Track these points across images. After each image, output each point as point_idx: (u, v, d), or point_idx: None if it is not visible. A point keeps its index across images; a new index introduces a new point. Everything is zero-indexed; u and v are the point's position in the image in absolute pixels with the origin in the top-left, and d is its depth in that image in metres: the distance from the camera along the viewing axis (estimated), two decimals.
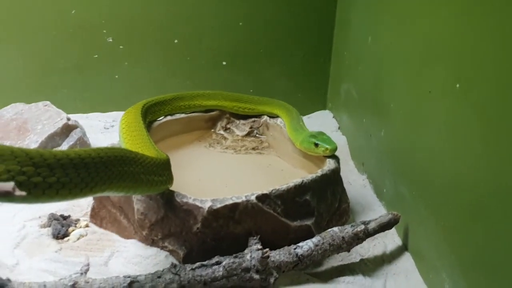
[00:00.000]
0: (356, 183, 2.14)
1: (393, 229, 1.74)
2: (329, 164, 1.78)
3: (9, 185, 0.98)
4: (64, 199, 1.15)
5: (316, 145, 1.83)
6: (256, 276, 1.47)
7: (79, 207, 1.87)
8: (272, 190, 1.59)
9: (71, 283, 1.37)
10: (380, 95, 2.01)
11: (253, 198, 1.55)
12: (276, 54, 2.78)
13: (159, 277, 1.44)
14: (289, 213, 1.61)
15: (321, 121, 2.74)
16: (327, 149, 1.80)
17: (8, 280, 1.34)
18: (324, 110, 2.89)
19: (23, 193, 0.99)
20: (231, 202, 1.54)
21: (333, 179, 1.77)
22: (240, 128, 2.28)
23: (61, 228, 1.72)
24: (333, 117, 2.77)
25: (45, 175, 1.09)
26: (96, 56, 2.65)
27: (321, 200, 1.70)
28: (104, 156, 1.24)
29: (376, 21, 2.11)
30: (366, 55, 2.21)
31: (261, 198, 1.56)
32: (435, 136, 1.52)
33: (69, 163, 1.14)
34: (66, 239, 1.70)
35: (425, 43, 1.61)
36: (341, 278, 1.59)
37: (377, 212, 1.92)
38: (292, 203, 1.62)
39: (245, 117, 2.29)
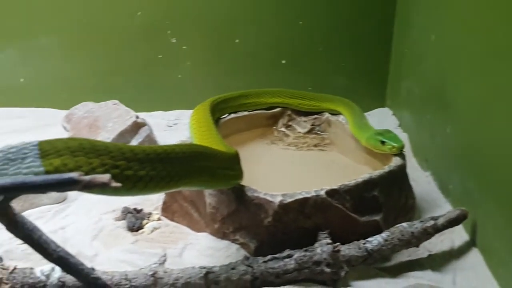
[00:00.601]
0: (420, 180, 2.14)
1: (460, 225, 1.74)
2: (396, 161, 1.80)
3: (105, 177, 1.04)
4: (151, 192, 1.22)
5: (383, 143, 1.84)
6: (327, 270, 1.51)
7: (150, 201, 1.94)
8: (341, 185, 1.61)
9: (151, 272, 1.44)
10: (445, 92, 2.01)
11: (322, 193, 1.58)
12: (335, 52, 2.80)
13: (233, 268, 1.49)
14: (357, 208, 1.64)
15: (380, 118, 2.74)
16: (394, 147, 1.81)
17: (93, 269, 1.40)
18: (383, 107, 2.89)
19: (119, 184, 1.04)
20: (301, 197, 1.57)
21: (399, 175, 1.79)
22: (302, 125, 2.30)
23: (135, 221, 1.79)
24: (393, 114, 2.77)
25: (136, 169, 1.16)
26: (161, 56, 2.73)
27: (388, 196, 1.71)
28: (186, 151, 1.30)
29: (440, 19, 2.11)
30: (429, 52, 2.21)
31: (331, 193, 1.59)
32: (505, 131, 1.52)
33: (156, 158, 1.21)
34: (140, 231, 1.78)
35: (493, 40, 1.60)
36: (410, 273, 1.61)
37: (443, 208, 1.92)
38: (361, 199, 1.64)
39: (306, 114, 2.32)
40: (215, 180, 1.45)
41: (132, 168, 1.16)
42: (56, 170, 1.11)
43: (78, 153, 1.12)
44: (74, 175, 1.03)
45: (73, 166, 1.11)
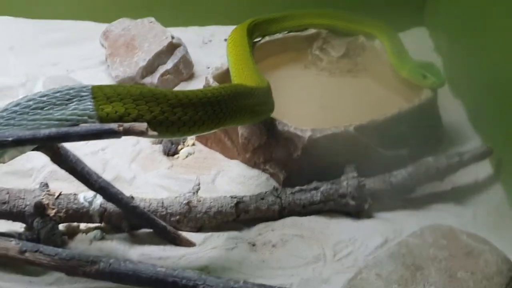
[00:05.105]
0: (450, 108, 2.10)
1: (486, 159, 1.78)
2: (427, 93, 1.81)
3: (143, 125, 1.12)
4: (202, 132, 1.35)
5: (425, 76, 1.83)
6: (352, 202, 1.58)
7: None
8: (369, 121, 1.66)
9: (185, 201, 1.54)
10: (484, 14, 1.96)
11: (351, 129, 1.63)
12: None
13: (262, 198, 1.58)
14: (385, 143, 1.68)
15: (416, 39, 2.66)
16: (434, 82, 1.81)
17: (132, 197, 1.51)
18: (419, 27, 2.80)
19: (155, 133, 1.13)
20: (330, 132, 1.63)
21: (429, 109, 1.81)
22: (336, 49, 2.28)
23: (171, 146, 1.87)
24: (429, 35, 2.69)
25: (191, 114, 1.27)
26: None
27: (416, 131, 1.75)
28: (230, 93, 1.39)
29: None
30: None
31: (359, 128, 1.64)
32: None
33: (208, 102, 1.31)
34: (176, 156, 1.86)
35: None
36: (433, 206, 1.67)
37: (471, 139, 1.93)
38: (389, 134, 1.69)
39: (341, 37, 2.30)
40: (254, 116, 1.52)
41: (187, 114, 1.26)
42: (119, 117, 1.20)
43: (140, 101, 1.20)
44: (113, 126, 1.11)
45: (136, 115, 1.20)
